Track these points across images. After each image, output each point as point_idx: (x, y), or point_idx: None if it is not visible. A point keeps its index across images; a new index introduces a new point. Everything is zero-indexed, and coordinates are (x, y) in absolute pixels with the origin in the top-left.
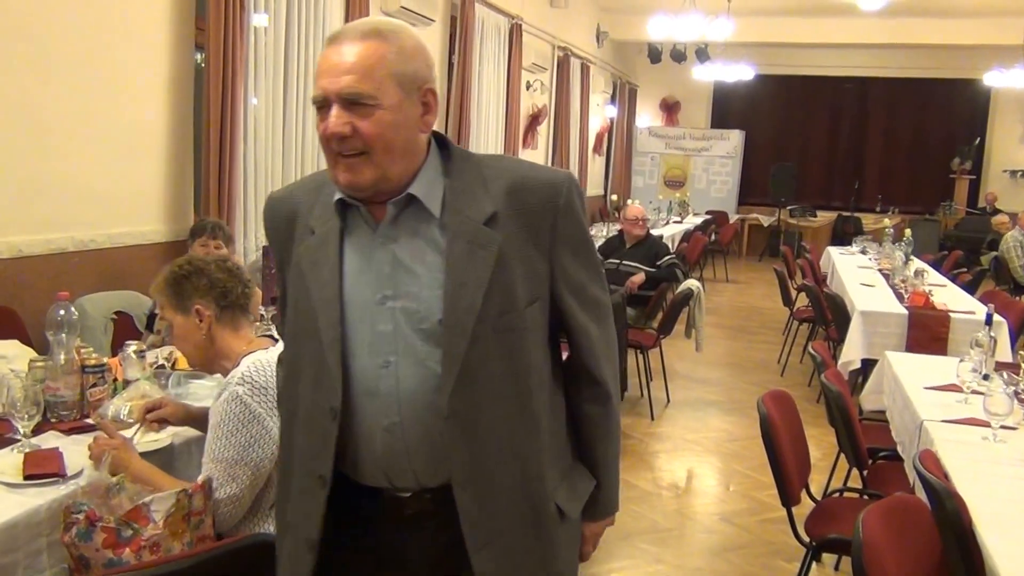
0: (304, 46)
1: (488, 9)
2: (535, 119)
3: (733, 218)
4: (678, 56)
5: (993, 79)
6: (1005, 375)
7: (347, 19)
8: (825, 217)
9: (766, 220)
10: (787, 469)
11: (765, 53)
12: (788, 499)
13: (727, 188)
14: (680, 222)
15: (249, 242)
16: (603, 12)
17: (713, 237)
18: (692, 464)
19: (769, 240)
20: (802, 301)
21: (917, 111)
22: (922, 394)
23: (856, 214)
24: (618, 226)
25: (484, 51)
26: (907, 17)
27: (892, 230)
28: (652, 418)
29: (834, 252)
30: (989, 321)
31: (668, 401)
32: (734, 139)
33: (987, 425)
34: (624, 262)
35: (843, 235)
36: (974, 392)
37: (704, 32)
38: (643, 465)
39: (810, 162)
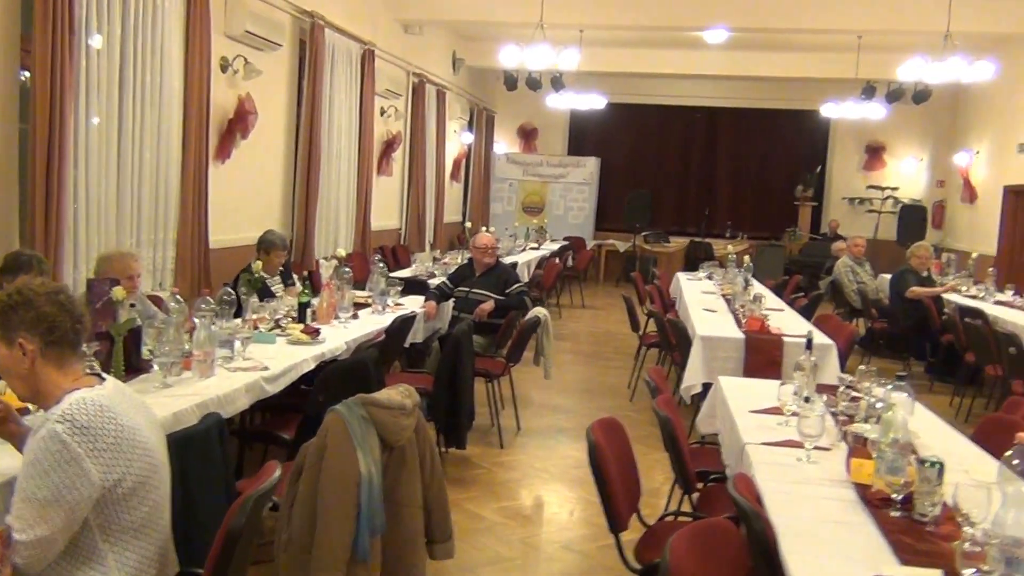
0: (141, 69)
1: (339, 35)
2: (390, 145)
3: (590, 244)
4: (534, 84)
5: (829, 110)
6: (825, 397)
7: (187, 44)
8: (678, 243)
9: (622, 246)
10: (615, 496)
11: (617, 82)
12: (615, 526)
13: (584, 214)
14: (537, 248)
15: (79, 273)
16: (459, 39)
17: (570, 263)
18: (539, 492)
19: (625, 266)
20: (652, 327)
21: (763, 140)
22: (746, 417)
23: (707, 240)
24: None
25: (335, 77)
26: (749, 50)
27: (735, 256)
28: (501, 447)
29: (682, 277)
30: (809, 346)
31: (519, 429)
32: (590, 166)
33: (802, 446)
34: (474, 290)
35: (695, 260)
36: (794, 415)
37: (555, 61)
38: (490, 495)
39: (664, 189)
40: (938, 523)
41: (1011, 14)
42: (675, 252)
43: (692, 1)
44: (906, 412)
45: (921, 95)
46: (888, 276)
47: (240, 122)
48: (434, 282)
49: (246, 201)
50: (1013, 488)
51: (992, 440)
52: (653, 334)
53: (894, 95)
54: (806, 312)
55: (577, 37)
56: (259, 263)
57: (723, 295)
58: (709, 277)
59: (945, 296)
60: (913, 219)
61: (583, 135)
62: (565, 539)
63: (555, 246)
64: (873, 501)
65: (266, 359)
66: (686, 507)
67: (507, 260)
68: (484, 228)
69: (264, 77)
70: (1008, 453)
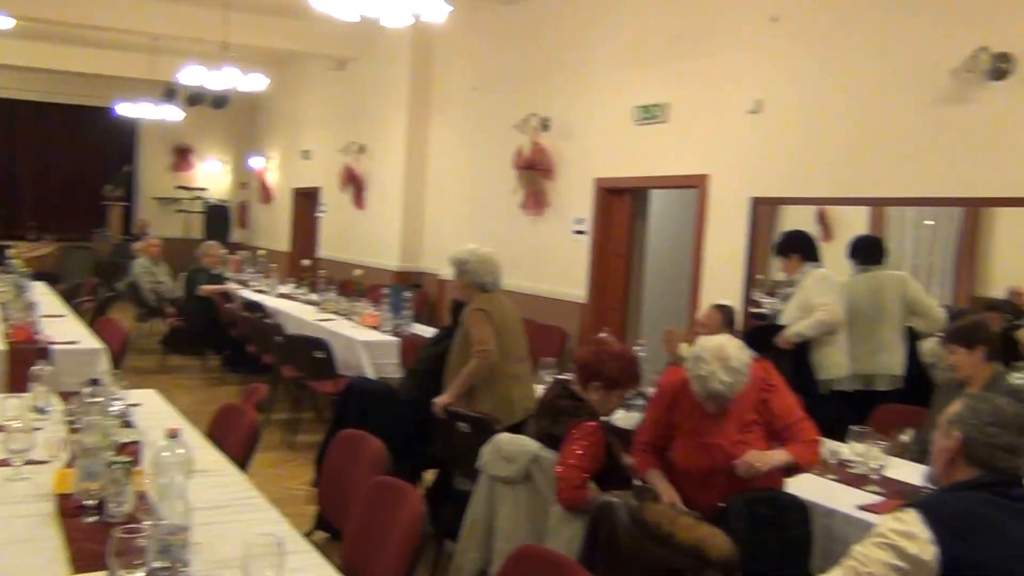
0: None
1: None
2: None
3: None
4: None
5: (130, 110)
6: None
7: None
8: None
9: None
10: None
11: None
12: None
13: None
14: None
15: None
16: None
17: None
18: None
19: None
20: None
21: (70, 137)
22: None
23: (8, 242)
24: None
25: None
26: (42, 42)
27: (13, 260)
28: None
29: None
30: (45, 354)
31: None
32: None
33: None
34: None
35: None
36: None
37: None
38: None
39: None
40: (129, 522)
41: (282, 32)
42: None
43: None
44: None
45: (219, 101)
46: None
47: None
48: None
49: None
50: (165, 479)
51: (223, 427)
52: None
53: (195, 99)
54: (96, 315)
55: None
56: None
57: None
58: None
59: (242, 292)
60: (219, 218)
61: None
62: None
63: None
64: (69, 511)
65: None
66: None
67: None
68: None
69: None
70: (160, 446)
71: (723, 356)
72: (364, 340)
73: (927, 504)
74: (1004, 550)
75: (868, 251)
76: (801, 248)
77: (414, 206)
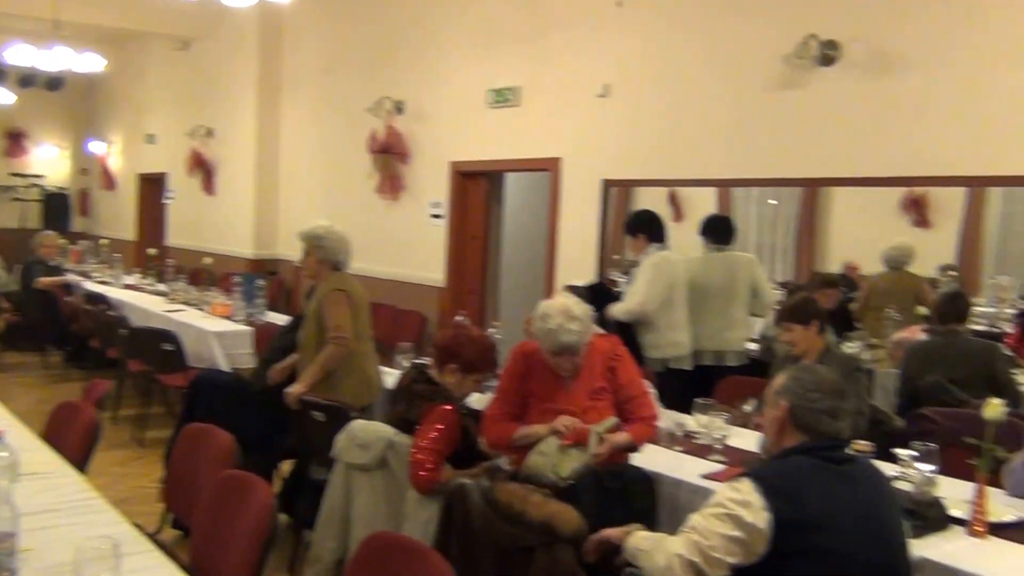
0: None
1: None
2: None
3: None
4: None
5: None
6: None
7: None
8: None
9: None
10: None
11: None
12: None
13: None
14: None
15: None
16: None
17: None
18: None
19: None
20: None
21: None
22: None
23: None
24: None
25: None
26: None
27: None
28: None
29: None
30: None
31: None
32: None
33: None
34: None
35: None
36: None
37: None
38: None
39: None
40: None
41: (117, 9)
42: None
43: None
44: None
45: (54, 82)
46: None
47: None
48: None
49: None
50: None
51: (60, 427)
52: None
53: (26, 80)
54: None
55: None
56: None
57: None
58: None
59: (85, 284)
60: (58, 207)
61: None
62: None
63: None
64: None
65: None
66: None
67: None
68: None
69: None
70: None
71: (566, 310)
72: (216, 330)
73: (760, 473)
74: (829, 509)
75: (719, 231)
76: (647, 228)
77: (267, 191)
